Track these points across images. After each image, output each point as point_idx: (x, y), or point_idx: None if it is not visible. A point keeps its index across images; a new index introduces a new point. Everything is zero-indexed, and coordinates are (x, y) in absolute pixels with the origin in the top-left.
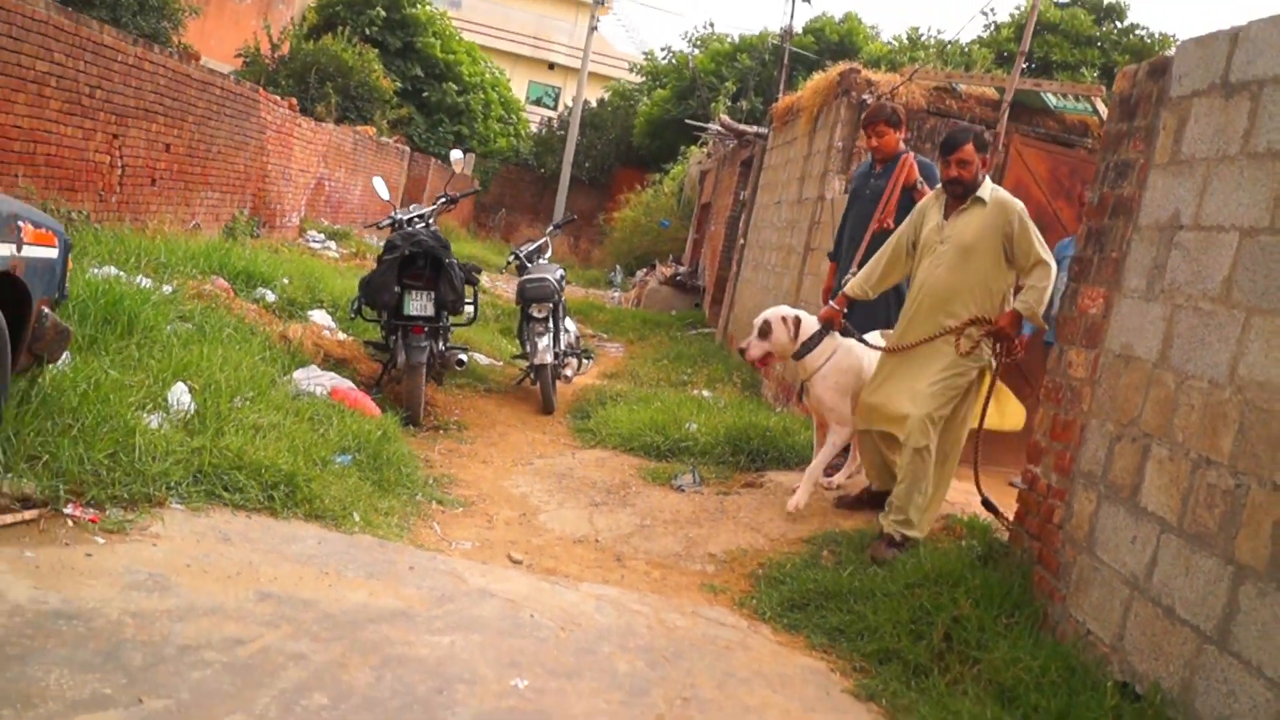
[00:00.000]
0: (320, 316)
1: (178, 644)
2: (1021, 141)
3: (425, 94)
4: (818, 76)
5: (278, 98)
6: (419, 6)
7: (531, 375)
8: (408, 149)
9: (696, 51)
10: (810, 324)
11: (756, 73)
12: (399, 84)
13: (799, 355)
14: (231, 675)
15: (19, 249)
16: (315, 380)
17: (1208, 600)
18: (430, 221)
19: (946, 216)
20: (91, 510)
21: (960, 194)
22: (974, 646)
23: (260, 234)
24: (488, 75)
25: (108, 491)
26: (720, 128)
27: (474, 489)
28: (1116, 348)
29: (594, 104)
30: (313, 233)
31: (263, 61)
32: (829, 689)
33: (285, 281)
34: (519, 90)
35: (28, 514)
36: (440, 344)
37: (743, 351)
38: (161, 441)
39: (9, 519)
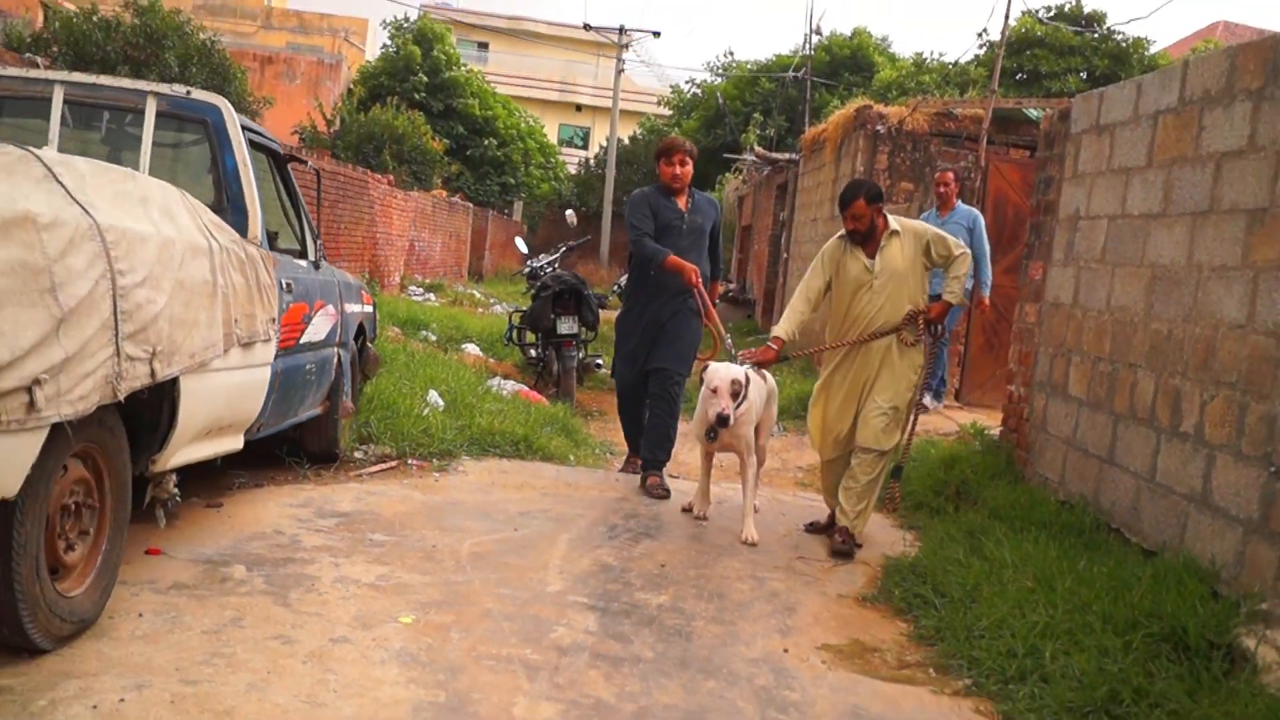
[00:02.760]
0: (471, 347)
1: (514, 511)
2: (996, 159)
3: (469, 151)
4: (838, 112)
5: (377, 175)
6: (456, 69)
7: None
8: (471, 205)
9: (718, 80)
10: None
11: (778, 95)
12: (447, 143)
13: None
14: (549, 522)
15: (363, 307)
16: (501, 386)
17: (1102, 439)
18: (556, 265)
19: (870, 255)
20: (421, 461)
21: (861, 240)
22: (974, 494)
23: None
24: (523, 125)
25: (425, 450)
26: (755, 157)
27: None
28: (1051, 299)
29: (626, 140)
30: (412, 287)
31: (321, 137)
32: (884, 525)
33: (434, 325)
34: (551, 134)
35: (391, 464)
36: (582, 354)
37: (724, 420)
38: (440, 422)
39: (382, 467)
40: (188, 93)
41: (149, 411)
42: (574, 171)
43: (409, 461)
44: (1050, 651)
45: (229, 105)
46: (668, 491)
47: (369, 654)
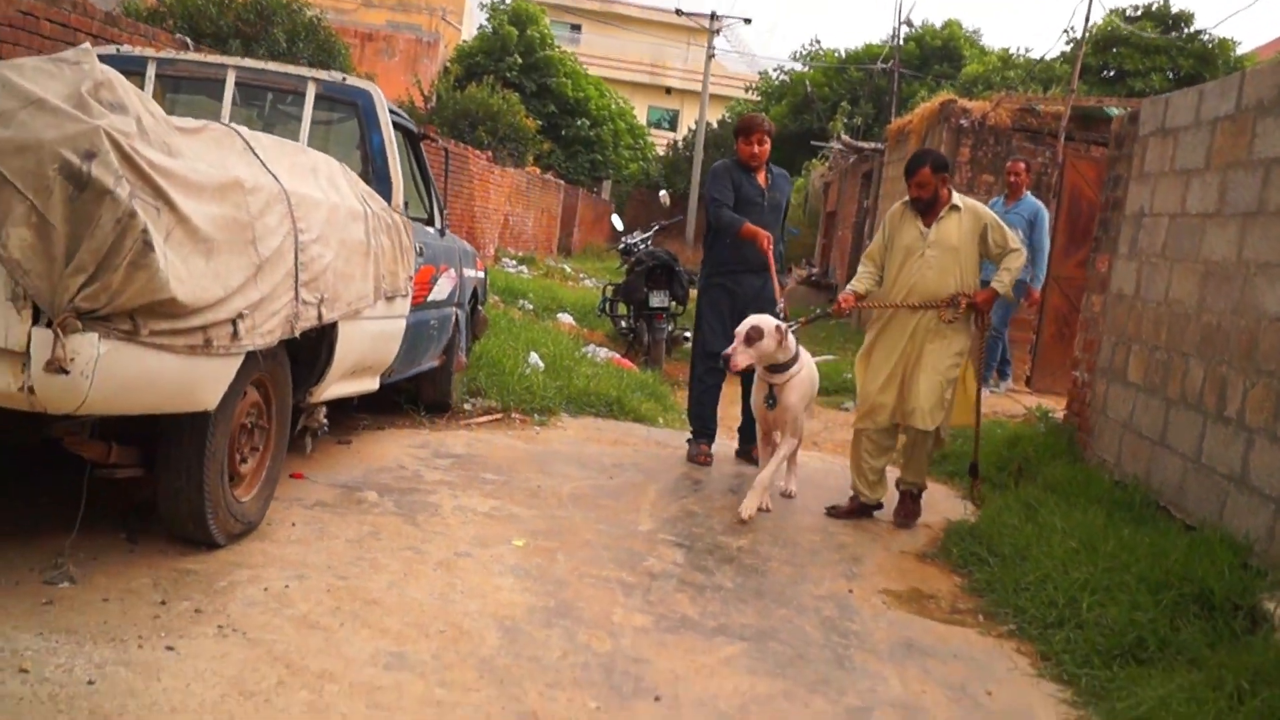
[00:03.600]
0: (565, 317)
1: (609, 463)
2: (1073, 155)
3: (562, 130)
4: (923, 105)
5: (477, 151)
6: (550, 49)
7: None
8: (562, 183)
9: (807, 69)
10: (791, 339)
11: (866, 85)
12: (539, 122)
13: (784, 367)
14: (640, 474)
15: (476, 273)
16: (595, 352)
17: (1155, 423)
18: (649, 241)
19: (927, 225)
20: (524, 415)
21: (922, 208)
22: (1035, 472)
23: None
24: (614, 106)
25: (527, 405)
26: (841, 145)
27: None
28: (1115, 291)
29: (714, 124)
30: (506, 260)
31: (418, 113)
32: (948, 495)
33: (530, 295)
34: (640, 116)
35: (497, 415)
36: (671, 326)
37: (725, 359)
38: (541, 382)
39: (488, 418)
40: (344, 79)
41: (310, 350)
42: (662, 153)
43: (513, 415)
44: (1087, 603)
45: (378, 90)
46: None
47: (488, 566)
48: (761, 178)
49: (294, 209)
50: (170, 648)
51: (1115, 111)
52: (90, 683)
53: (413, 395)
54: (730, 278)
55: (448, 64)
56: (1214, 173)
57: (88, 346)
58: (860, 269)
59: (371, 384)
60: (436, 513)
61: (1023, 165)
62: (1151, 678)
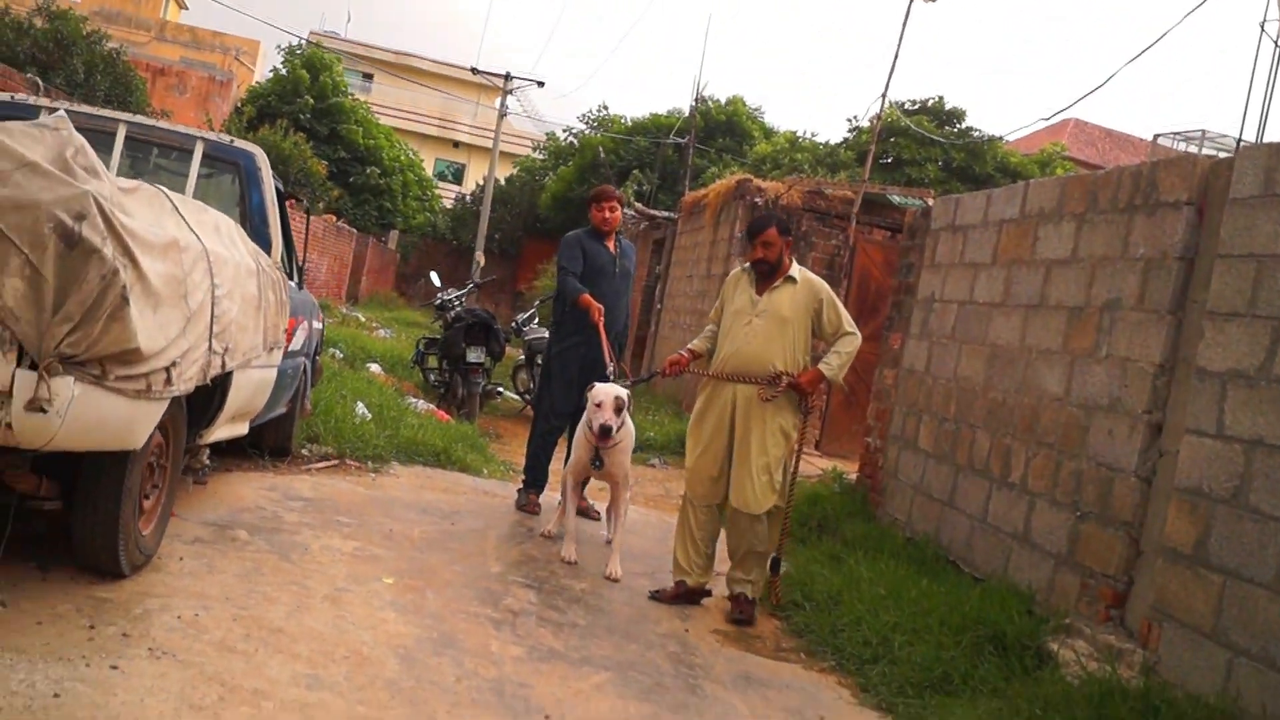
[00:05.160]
0: (375, 367)
1: (447, 509)
2: (863, 239)
3: (351, 177)
4: (720, 181)
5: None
6: (343, 96)
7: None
8: (354, 230)
9: (591, 132)
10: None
11: (656, 154)
12: (329, 167)
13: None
14: (478, 520)
15: (319, 324)
16: (414, 404)
17: (945, 486)
18: (463, 299)
19: (760, 293)
20: (358, 462)
21: (766, 272)
22: (834, 528)
23: None
24: (404, 157)
25: (360, 453)
26: (634, 212)
27: (513, 459)
28: (907, 366)
29: (501, 181)
30: None
31: None
32: None
33: (341, 344)
34: (428, 167)
35: (333, 461)
36: (485, 381)
37: (606, 431)
38: (372, 431)
39: (326, 464)
40: (231, 140)
41: (203, 395)
42: (449, 205)
43: (348, 462)
44: (898, 642)
45: (261, 151)
46: (598, 514)
47: (369, 600)
48: (612, 245)
49: (211, 266)
50: (114, 667)
51: (899, 200)
52: (56, 695)
53: (254, 439)
54: (581, 341)
55: (240, 104)
56: (1000, 267)
57: (65, 388)
58: (704, 330)
59: (243, 428)
60: (306, 552)
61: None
62: (959, 706)
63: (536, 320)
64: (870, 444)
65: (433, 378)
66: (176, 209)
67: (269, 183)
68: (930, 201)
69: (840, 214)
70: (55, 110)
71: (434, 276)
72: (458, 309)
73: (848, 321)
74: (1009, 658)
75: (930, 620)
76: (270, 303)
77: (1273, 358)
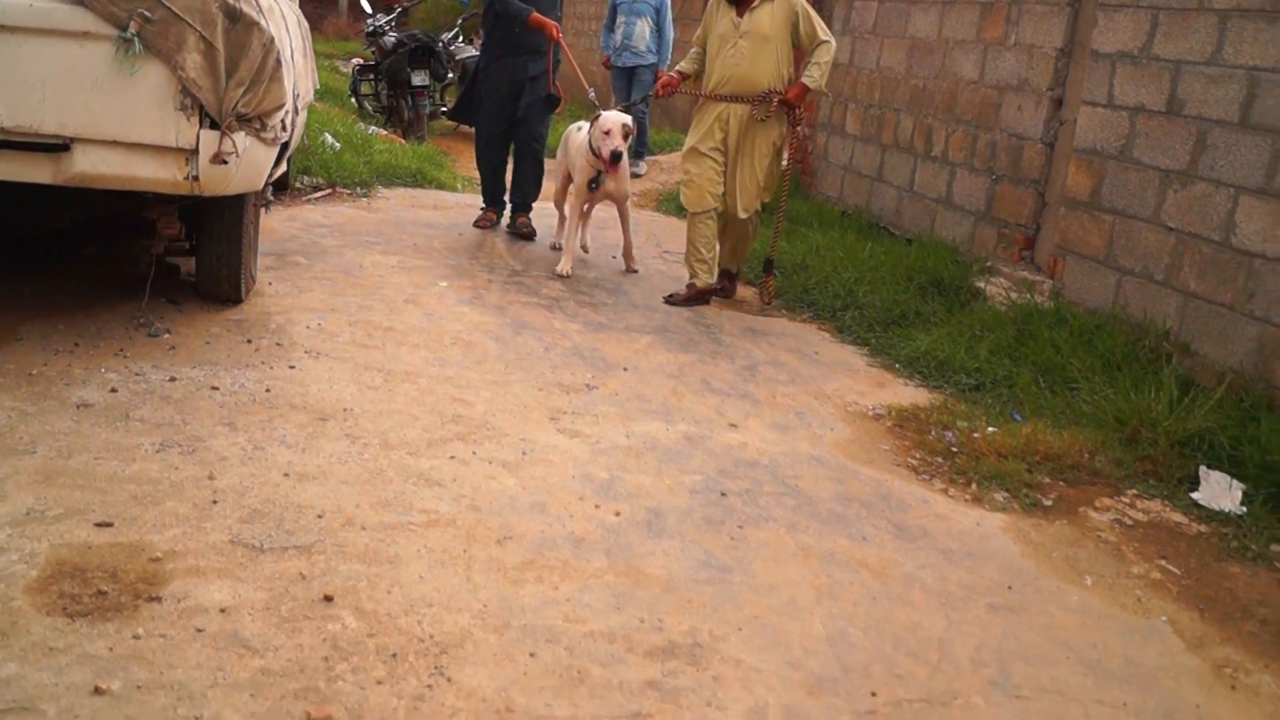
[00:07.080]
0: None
1: (446, 222)
2: None
3: None
4: None
5: None
6: None
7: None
8: None
9: None
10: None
11: None
12: None
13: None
14: (475, 230)
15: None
16: (373, 131)
17: (873, 164)
18: (393, 24)
19: (740, 14)
20: (347, 190)
21: None
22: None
23: None
24: None
25: (346, 181)
26: None
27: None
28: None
29: None
30: None
31: None
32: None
33: None
34: None
35: (326, 191)
36: (429, 103)
37: (617, 156)
38: (351, 159)
39: (321, 194)
40: None
41: None
42: None
43: (339, 190)
44: (861, 293)
45: None
46: (534, 231)
47: (440, 300)
48: None
49: (286, 24)
50: (292, 366)
51: None
52: (268, 390)
53: None
54: (510, 60)
55: None
56: None
57: (241, 142)
58: (690, 52)
59: (284, 165)
60: (362, 269)
61: None
62: (916, 335)
63: (461, 39)
64: (800, 131)
65: (369, 105)
66: None
67: None
68: None
69: None
70: None
71: (364, 3)
72: (390, 34)
73: (822, 29)
74: (948, 296)
75: (882, 273)
76: (309, 55)
77: (1152, 40)
